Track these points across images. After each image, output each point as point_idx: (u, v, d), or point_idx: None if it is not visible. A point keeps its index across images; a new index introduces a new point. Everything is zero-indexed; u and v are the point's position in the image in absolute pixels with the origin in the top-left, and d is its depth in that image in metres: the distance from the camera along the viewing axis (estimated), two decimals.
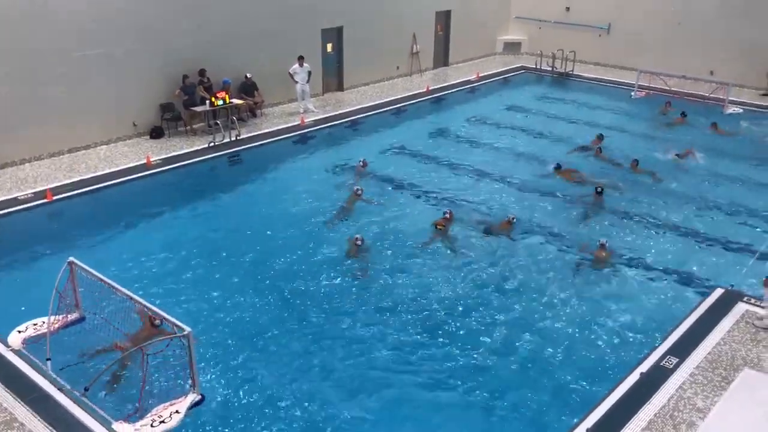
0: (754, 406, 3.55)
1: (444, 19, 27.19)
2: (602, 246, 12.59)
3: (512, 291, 11.59)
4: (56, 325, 9.10)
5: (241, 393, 8.92)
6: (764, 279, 10.31)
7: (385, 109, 21.74)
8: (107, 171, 15.72)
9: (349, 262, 12.29)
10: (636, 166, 16.75)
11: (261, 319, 10.58)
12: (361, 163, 16.50)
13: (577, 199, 15.24)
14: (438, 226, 13.37)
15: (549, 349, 10.04)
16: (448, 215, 13.62)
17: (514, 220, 13.58)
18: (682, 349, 9.71)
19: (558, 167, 16.68)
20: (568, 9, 28.27)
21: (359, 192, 14.63)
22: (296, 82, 20.22)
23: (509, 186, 16.03)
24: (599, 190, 15.17)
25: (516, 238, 13.35)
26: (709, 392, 8.74)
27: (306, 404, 8.77)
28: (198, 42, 18.54)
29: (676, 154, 16.61)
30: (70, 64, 16.15)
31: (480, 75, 26.16)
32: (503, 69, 27.67)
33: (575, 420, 8.37)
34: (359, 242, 12.45)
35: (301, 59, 20.07)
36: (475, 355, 9.89)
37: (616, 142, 18.91)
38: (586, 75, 26.70)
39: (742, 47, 23.91)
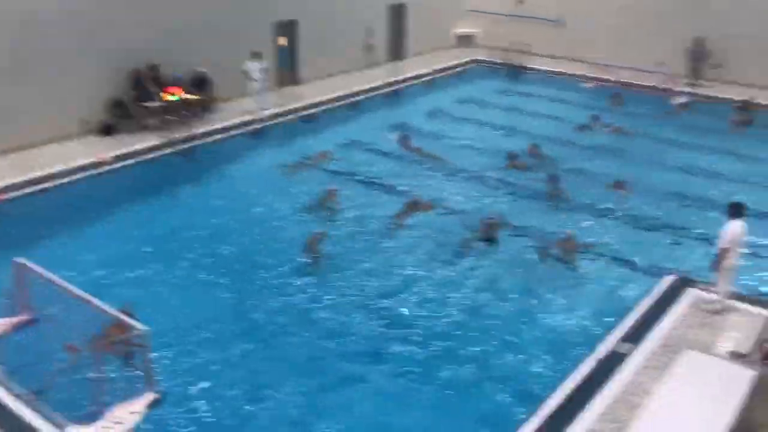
0: (693, 386, 3.71)
1: (398, 12, 27.20)
2: (569, 237, 12.82)
3: (469, 282, 11.71)
4: (5, 328, 8.88)
5: (200, 390, 8.82)
6: (711, 263, 10.60)
7: (341, 102, 21.69)
8: (57, 169, 15.31)
9: (308, 257, 12.27)
10: (535, 150, 17.22)
11: (218, 315, 10.48)
12: (320, 154, 16.68)
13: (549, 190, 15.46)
14: (426, 207, 13.97)
15: (505, 340, 10.16)
16: (412, 202, 14.06)
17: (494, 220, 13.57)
18: (636, 335, 9.93)
19: (404, 137, 17.80)
20: (521, 1, 28.54)
21: (333, 192, 14.57)
22: (251, 80, 19.51)
23: (467, 178, 16.15)
24: (553, 176, 15.57)
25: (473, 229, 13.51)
26: (663, 376, 8.96)
27: (266, 398, 8.76)
28: (148, 36, 18.17)
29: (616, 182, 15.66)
30: (13, 60, 15.69)
31: (435, 68, 26.26)
32: (457, 62, 27.80)
33: (533, 408, 8.49)
34: (319, 238, 12.43)
35: (255, 55, 19.56)
36: (430, 346, 9.97)
37: (561, 132, 19.49)
38: (538, 67, 27.00)
39: (689, 39, 24.41)
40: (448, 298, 11.22)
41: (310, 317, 10.55)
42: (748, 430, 4.11)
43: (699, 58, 24.05)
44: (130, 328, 7.71)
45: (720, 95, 22.98)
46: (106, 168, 15.59)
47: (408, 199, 14.41)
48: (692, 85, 24.19)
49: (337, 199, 14.44)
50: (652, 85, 23.60)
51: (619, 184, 15.13)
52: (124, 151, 16.60)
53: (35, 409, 8.02)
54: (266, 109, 20.01)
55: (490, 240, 13.08)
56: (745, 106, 21.16)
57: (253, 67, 19.44)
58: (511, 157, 16.84)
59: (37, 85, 16.25)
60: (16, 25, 15.63)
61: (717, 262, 10.38)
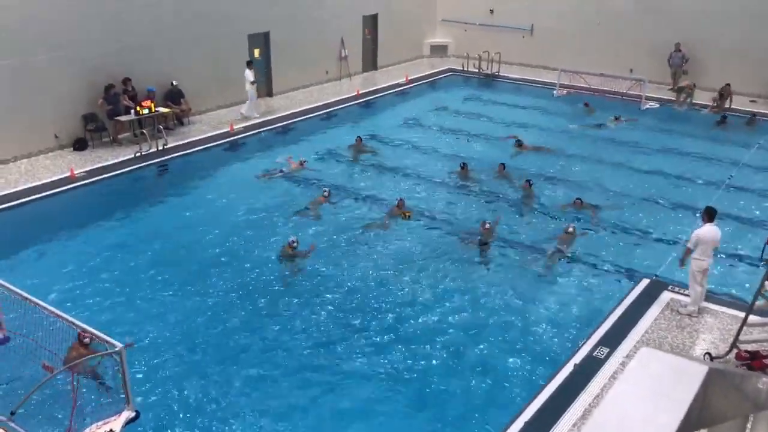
0: (648, 380, 3.78)
1: (371, 22, 27.31)
2: (572, 230, 13.45)
3: (449, 287, 11.76)
4: None
5: (177, 406, 8.73)
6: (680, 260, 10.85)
7: (316, 113, 21.68)
8: (29, 185, 15.14)
9: (283, 264, 12.31)
10: (503, 170, 16.87)
11: (194, 329, 10.39)
12: (298, 162, 16.84)
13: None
14: (405, 215, 14.19)
15: (485, 344, 10.22)
16: (399, 203, 14.38)
17: (488, 225, 13.63)
18: (613, 339, 10.03)
19: (359, 139, 18.50)
20: (492, 11, 28.83)
21: (326, 194, 14.84)
22: (253, 84, 20.31)
23: (442, 186, 16.25)
24: (529, 181, 15.85)
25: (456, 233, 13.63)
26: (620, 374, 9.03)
27: (244, 412, 8.67)
28: (120, 50, 18.05)
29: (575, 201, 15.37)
30: None
31: (409, 78, 26.39)
32: (431, 71, 27.99)
33: (513, 413, 8.52)
34: (294, 244, 12.41)
35: (249, 63, 20.48)
36: (407, 350, 10.01)
37: (536, 140, 19.60)
38: (511, 76, 27.28)
39: (656, 45, 24.86)
40: (431, 303, 11.25)
41: (289, 329, 10.50)
42: (701, 425, 4.23)
43: (680, 64, 24.39)
44: (107, 345, 7.57)
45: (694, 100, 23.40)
46: (78, 183, 15.40)
47: (388, 207, 14.57)
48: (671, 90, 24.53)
49: (328, 202, 14.67)
50: (623, 91, 23.94)
51: (578, 202, 15.00)
52: (97, 165, 16.44)
53: (9, 431, 7.87)
54: (256, 117, 20.58)
55: (485, 244, 13.25)
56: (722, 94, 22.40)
57: (251, 75, 20.24)
58: (462, 166, 16.88)
59: (10, 100, 16.04)
60: None
61: (681, 259, 10.86)
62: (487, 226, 13.58)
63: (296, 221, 14.06)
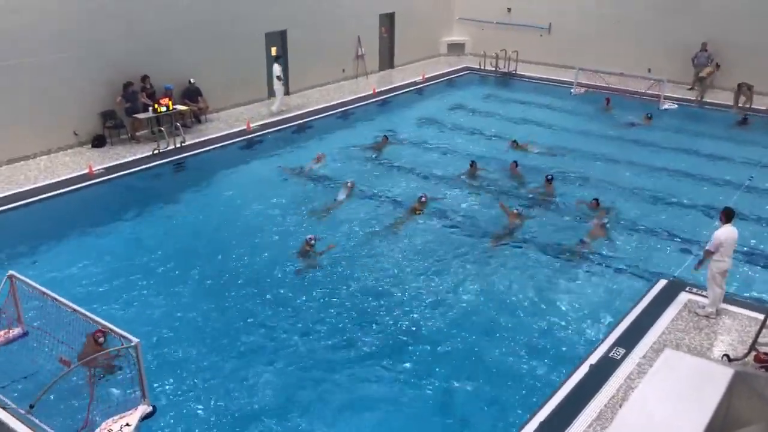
0: (672, 383, 3.72)
1: (388, 21, 27.29)
2: (603, 225, 13.60)
3: (467, 284, 11.75)
4: None
5: (194, 402, 8.78)
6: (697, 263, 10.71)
7: (332, 112, 21.70)
8: (48, 182, 15.29)
9: (301, 260, 12.33)
10: (515, 167, 16.86)
11: (212, 326, 10.44)
12: (316, 158, 16.97)
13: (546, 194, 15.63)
14: (416, 211, 14.29)
15: (499, 342, 10.19)
16: (423, 199, 14.54)
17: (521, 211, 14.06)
18: (629, 339, 9.96)
19: (386, 138, 18.75)
20: (509, 10, 28.71)
21: (350, 185, 15.15)
22: (279, 80, 20.75)
23: (457, 183, 16.21)
24: (549, 178, 15.81)
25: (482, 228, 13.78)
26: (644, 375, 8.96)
27: (261, 410, 8.70)
28: (139, 48, 18.18)
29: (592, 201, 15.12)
30: (4, 74, 15.62)
31: (426, 76, 26.34)
32: (448, 70, 27.92)
33: (528, 414, 8.49)
34: (312, 241, 12.46)
35: (277, 58, 21.16)
36: (422, 348, 10.01)
37: (553, 138, 19.59)
38: (528, 74, 27.15)
39: (675, 45, 24.64)
40: (447, 300, 11.26)
41: (305, 327, 10.52)
42: (724, 428, 4.14)
43: (705, 64, 24.10)
44: (123, 340, 7.63)
45: (713, 100, 23.16)
46: (97, 180, 15.53)
47: (406, 204, 14.64)
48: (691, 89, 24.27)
49: (354, 191, 14.98)
50: (641, 90, 23.75)
51: (594, 203, 14.83)
52: (115, 162, 16.57)
53: (28, 423, 7.96)
54: (278, 112, 20.93)
55: (510, 231, 13.45)
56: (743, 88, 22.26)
57: (278, 70, 20.68)
58: (471, 164, 16.84)
59: (30, 98, 16.20)
60: (8, 40, 15.57)
61: (700, 261, 10.64)
62: (515, 211, 13.62)
63: (314, 218, 14.10)
